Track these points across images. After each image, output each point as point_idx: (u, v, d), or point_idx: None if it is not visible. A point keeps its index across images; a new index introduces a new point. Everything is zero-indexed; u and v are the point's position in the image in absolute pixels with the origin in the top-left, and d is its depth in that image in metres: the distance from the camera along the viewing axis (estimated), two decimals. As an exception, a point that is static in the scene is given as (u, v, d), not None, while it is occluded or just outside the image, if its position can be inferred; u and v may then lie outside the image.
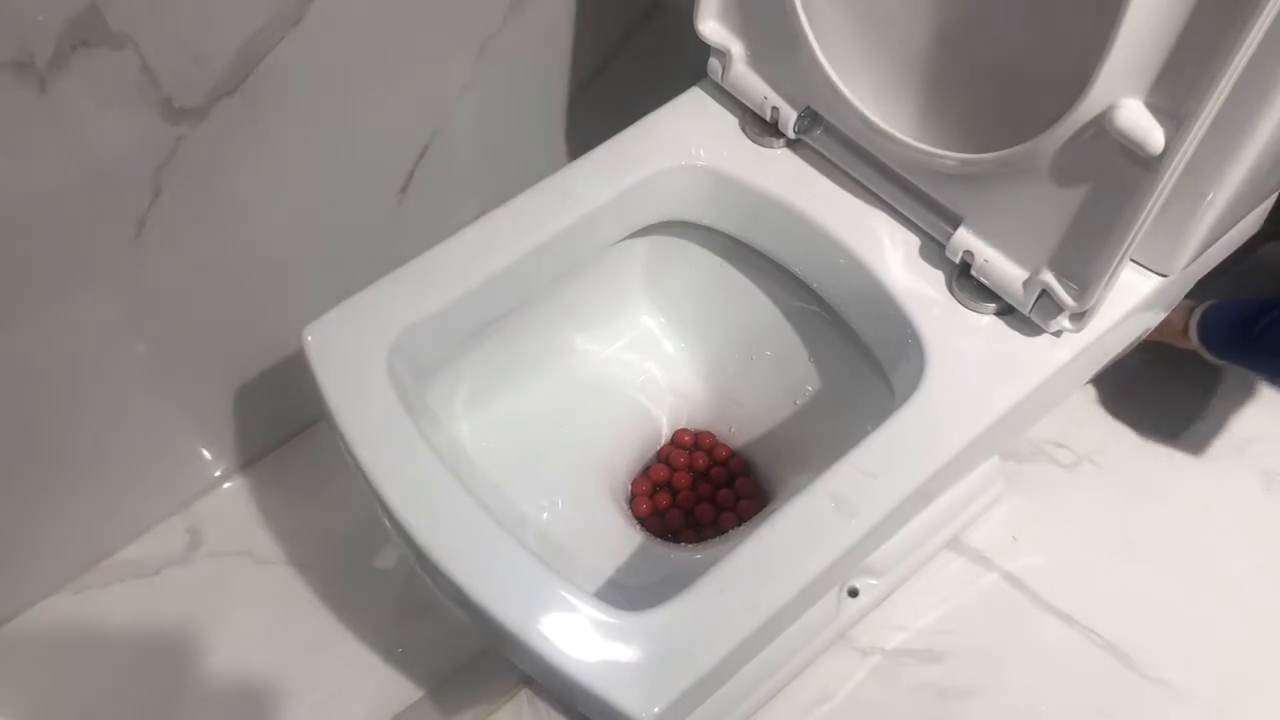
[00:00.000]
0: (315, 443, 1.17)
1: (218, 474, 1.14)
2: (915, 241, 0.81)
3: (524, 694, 1.01)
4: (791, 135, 0.85)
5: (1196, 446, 1.15)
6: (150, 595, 1.08)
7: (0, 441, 0.92)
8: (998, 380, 0.75)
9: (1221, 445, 1.15)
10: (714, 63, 0.88)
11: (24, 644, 1.06)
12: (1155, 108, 0.61)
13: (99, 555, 1.10)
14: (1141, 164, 0.63)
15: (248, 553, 1.10)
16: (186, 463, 1.11)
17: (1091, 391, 1.16)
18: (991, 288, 0.76)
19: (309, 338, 0.77)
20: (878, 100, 0.78)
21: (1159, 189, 0.63)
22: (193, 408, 1.06)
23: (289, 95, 0.86)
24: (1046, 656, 1.03)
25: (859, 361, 0.88)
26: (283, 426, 1.16)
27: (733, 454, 1.00)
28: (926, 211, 0.80)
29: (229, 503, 1.14)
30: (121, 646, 1.06)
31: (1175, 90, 0.60)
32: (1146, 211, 0.65)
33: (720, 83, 0.88)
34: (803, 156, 0.87)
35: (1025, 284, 0.74)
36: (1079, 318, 0.74)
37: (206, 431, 1.10)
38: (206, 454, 1.11)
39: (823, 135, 0.85)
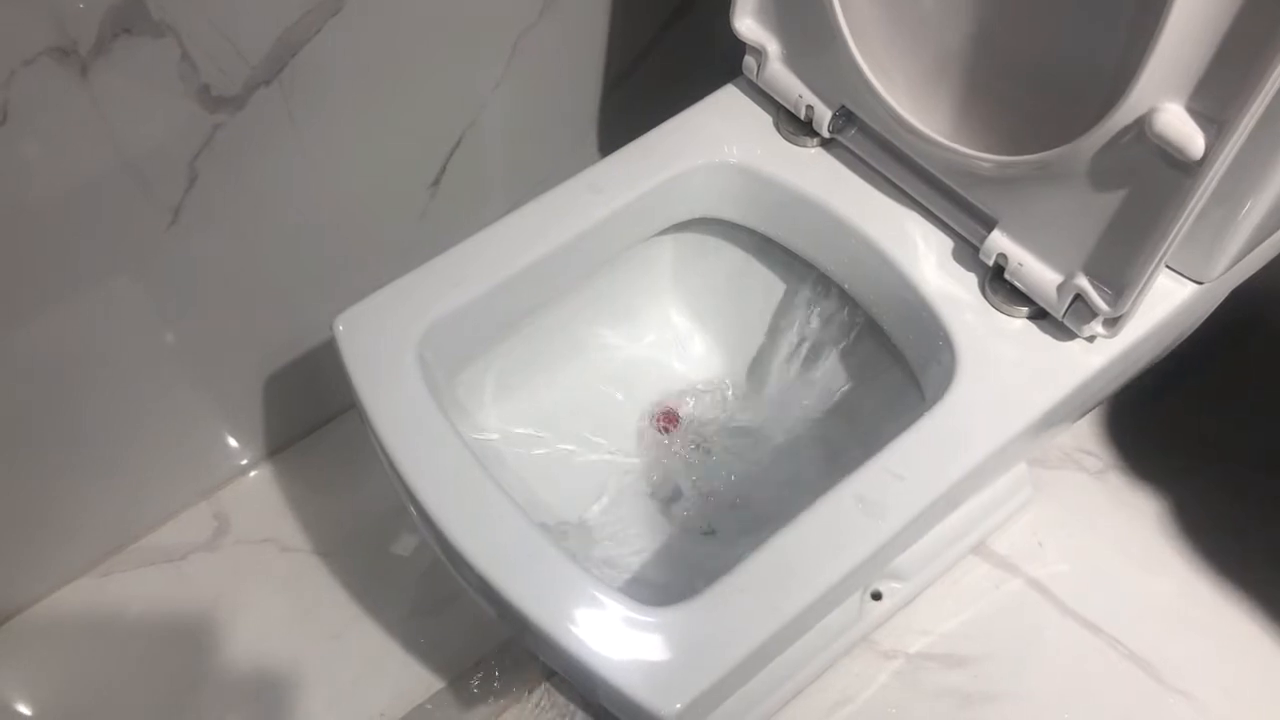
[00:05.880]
0: (343, 432, 1.17)
1: (245, 462, 1.15)
2: (949, 243, 0.81)
3: (545, 687, 1.02)
4: (826, 134, 0.85)
5: (1229, 457, 1.13)
6: (176, 580, 1.09)
7: (30, 426, 0.93)
8: (1029, 385, 0.75)
9: (1254, 456, 1.13)
10: (749, 60, 0.87)
11: (51, 626, 1.07)
12: (1196, 112, 0.61)
13: (126, 540, 1.11)
14: (1181, 169, 0.63)
15: (273, 540, 1.11)
16: (214, 450, 1.12)
17: (1123, 398, 1.15)
18: (1025, 291, 0.76)
19: (340, 327, 0.77)
20: (913, 100, 0.77)
21: (1198, 195, 0.63)
22: (222, 395, 1.07)
23: (325, 86, 0.87)
24: (1070, 664, 1.02)
25: (889, 362, 0.87)
26: (311, 415, 1.17)
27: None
28: (961, 213, 0.80)
29: (256, 490, 1.15)
30: (146, 630, 1.07)
31: (1217, 95, 0.60)
32: (1184, 217, 0.64)
33: (755, 80, 0.88)
34: (837, 156, 0.86)
35: (1059, 288, 0.74)
36: (1113, 323, 0.74)
37: (235, 419, 1.10)
38: (234, 442, 1.12)
39: (857, 135, 0.85)
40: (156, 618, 1.07)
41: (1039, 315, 0.77)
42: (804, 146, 0.87)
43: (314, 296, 1.01)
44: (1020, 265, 0.75)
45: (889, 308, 0.83)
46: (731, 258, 0.96)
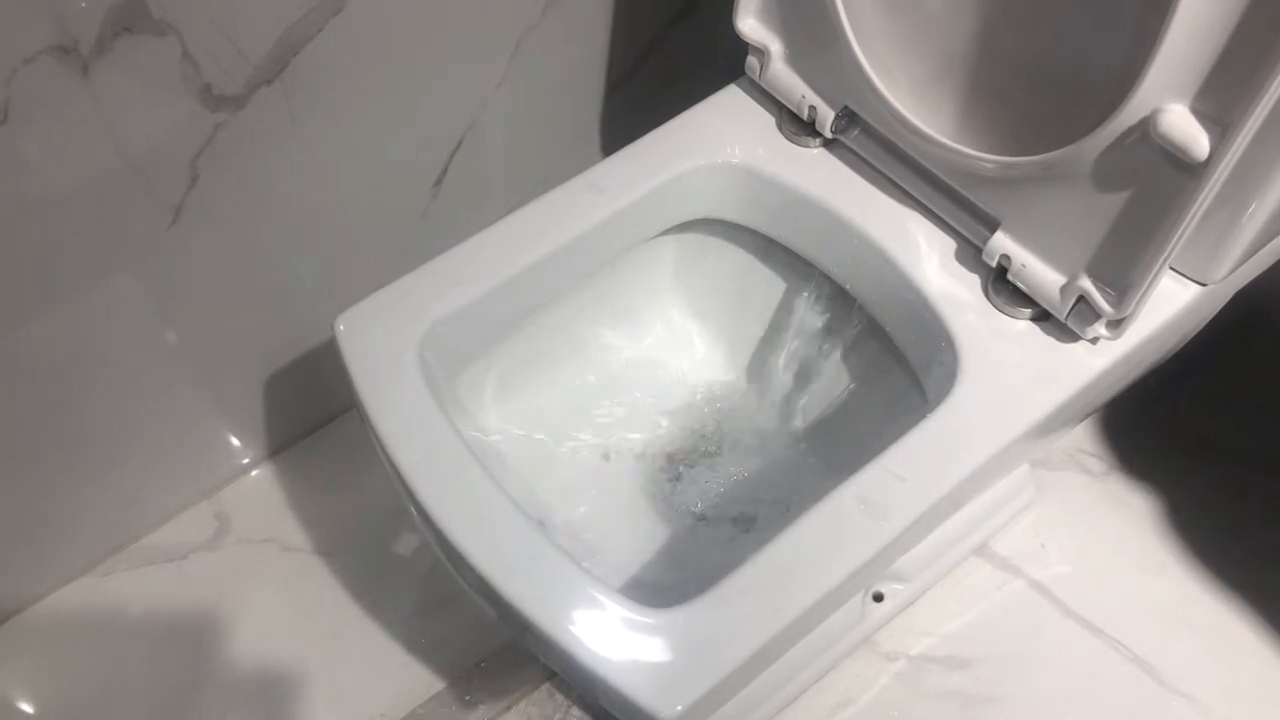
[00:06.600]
0: (344, 432, 1.17)
1: (246, 461, 1.15)
2: (951, 244, 0.81)
3: (546, 688, 1.02)
4: (828, 135, 0.85)
5: (1231, 459, 1.13)
6: (177, 580, 1.09)
7: (32, 425, 0.93)
8: (1032, 386, 0.74)
9: (1257, 458, 1.13)
10: (752, 60, 0.87)
11: (51, 625, 1.07)
12: (1201, 113, 0.61)
13: (127, 539, 1.11)
14: (1185, 170, 0.62)
15: (274, 540, 1.11)
16: (216, 449, 1.12)
17: (1126, 400, 1.15)
18: (1028, 293, 0.76)
19: (340, 327, 0.77)
20: (916, 101, 0.77)
21: (1202, 196, 0.63)
22: (223, 395, 1.07)
23: (327, 85, 0.86)
24: (1072, 666, 1.02)
25: (891, 364, 0.87)
26: (312, 415, 1.16)
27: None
28: (964, 214, 0.80)
29: (257, 490, 1.15)
30: (147, 630, 1.07)
31: (1221, 96, 0.59)
32: (1188, 219, 0.64)
33: (758, 81, 0.88)
34: (839, 157, 0.86)
35: (1062, 289, 0.73)
36: (1116, 325, 0.74)
37: (236, 419, 1.10)
38: (236, 441, 1.12)
39: (860, 135, 0.84)
40: (157, 617, 1.07)
41: (1042, 317, 0.77)
42: (806, 147, 0.87)
43: (315, 296, 1.01)
44: (1023, 266, 0.75)
45: (891, 309, 0.83)
46: (733, 258, 0.96)
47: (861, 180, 0.85)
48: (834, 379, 0.95)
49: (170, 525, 1.12)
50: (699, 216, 0.90)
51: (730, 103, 0.90)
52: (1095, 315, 0.73)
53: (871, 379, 0.92)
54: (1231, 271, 0.77)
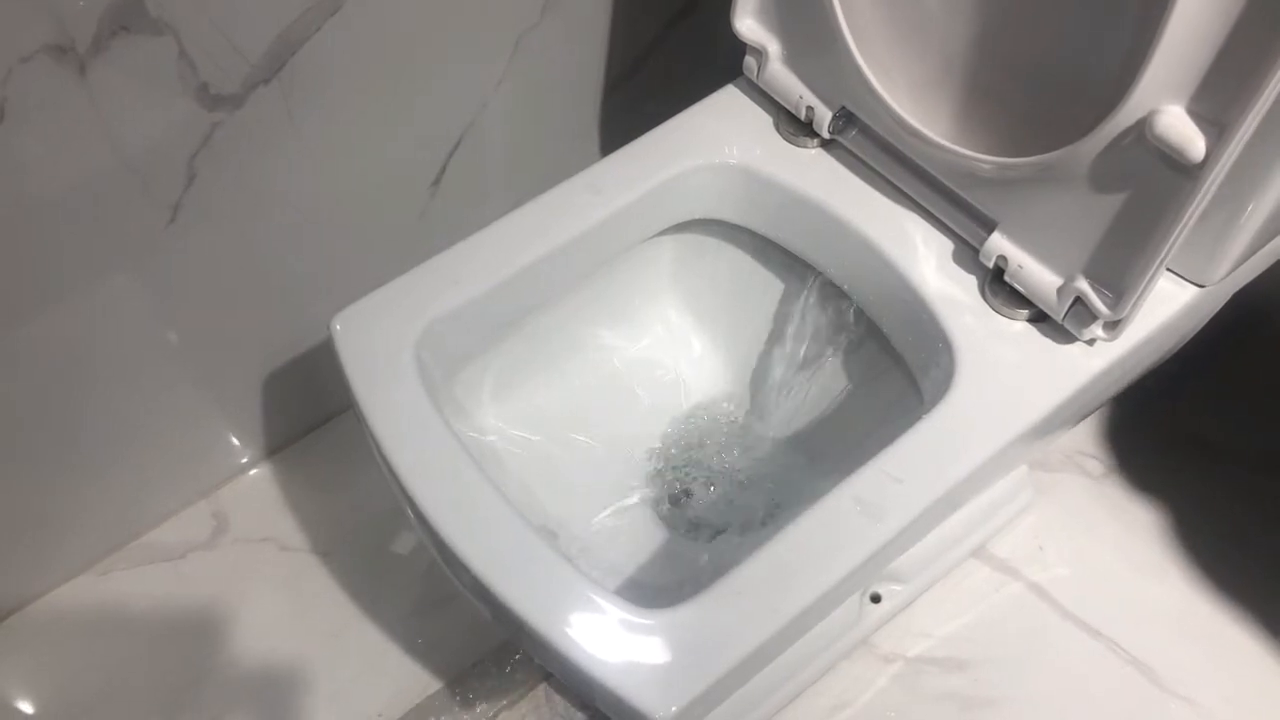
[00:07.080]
0: (341, 431, 1.17)
1: (244, 460, 1.15)
2: (949, 245, 0.81)
3: (542, 689, 1.01)
4: (826, 135, 0.85)
5: (1230, 460, 1.13)
6: (175, 579, 1.09)
7: (31, 424, 0.93)
8: (1029, 388, 0.74)
9: (1256, 459, 1.13)
10: (750, 61, 0.87)
11: (49, 623, 1.07)
12: (1197, 115, 0.60)
13: (125, 538, 1.11)
14: (1182, 172, 0.62)
15: (272, 539, 1.11)
16: (214, 449, 1.12)
17: (1125, 401, 1.15)
18: (1025, 294, 0.76)
19: (337, 327, 0.77)
20: (914, 101, 0.77)
21: (1199, 198, 0.63)
22: (221, 394, 1.07)
23: (324, 85, 0.86)
24: (1070, 669, 1.02)
25: (889, 365, 0.87)
26: (309, 415, 1.16)
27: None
28: (961, 215, 0.80)
29: (255, 489, 1.15)
30: (145, 629, 1.07)
31: (1218, 97, 0.59)
32: (1185, 220, 0.64)
33: (755, 81, 0.88)
34: (837, 157, 0.86)
35: (1059, 291, 0.73)
36: (1113, 326, 0.73)
37: (234, 418, 1.10)
38: (234, 440, 1.12)
39: (858, 136, 0.84)
40: (155, 616, 1.07)
41: (1039, 318, 0.77)
42: (804, 147, 0.86)
43: (313, 295, 1.01)
44: (1020, 267, 0.75)
45: (889, 310, 0.83)
46: (731, 259, 0.96)
47: (859, 181, 0.85)
48: (831, 380, 0.95)
49: (168, 524, 1.12)
50: (697, 217, 0.90)
51: (728, 103, 0.90)
52: (1092, 316, 0.73)
53: (869, 380, 0.92)
54: (1229, 273, 0.76)
